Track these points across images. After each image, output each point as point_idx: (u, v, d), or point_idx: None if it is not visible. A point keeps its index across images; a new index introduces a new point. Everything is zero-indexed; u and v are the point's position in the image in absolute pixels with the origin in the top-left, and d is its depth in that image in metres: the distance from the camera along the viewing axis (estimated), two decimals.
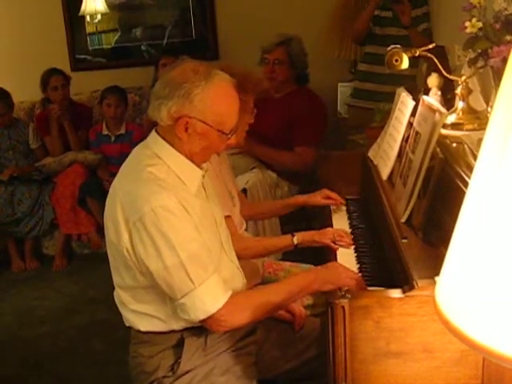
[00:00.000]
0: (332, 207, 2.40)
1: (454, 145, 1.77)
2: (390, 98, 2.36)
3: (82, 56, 4.62)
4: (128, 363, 1.74)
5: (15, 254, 3.99)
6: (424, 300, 1.32)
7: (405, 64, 2.10)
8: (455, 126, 1.88)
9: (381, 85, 3.38)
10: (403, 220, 1.76)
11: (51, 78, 3.99)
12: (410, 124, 1.99)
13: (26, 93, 4.26)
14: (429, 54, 2.04)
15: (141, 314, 1.63)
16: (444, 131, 1.82)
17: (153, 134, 1.62)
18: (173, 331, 1.63)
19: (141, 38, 4.62)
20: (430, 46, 2.05)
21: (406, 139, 2.00)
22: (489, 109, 1.92)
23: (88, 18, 4.56)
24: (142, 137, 1.83)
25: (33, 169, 4.07)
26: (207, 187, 1.70)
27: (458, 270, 0.70)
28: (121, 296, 1.64)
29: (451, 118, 1.90)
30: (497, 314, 0.63)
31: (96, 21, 4.58)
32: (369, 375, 1.37)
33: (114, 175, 1.65)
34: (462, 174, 1.50)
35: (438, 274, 0.76)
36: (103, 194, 2.01)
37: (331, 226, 2.24)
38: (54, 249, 4.05)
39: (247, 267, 1.90)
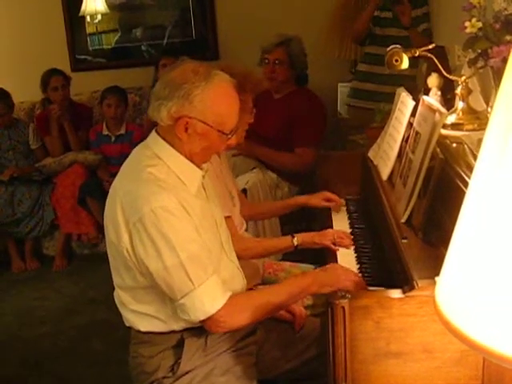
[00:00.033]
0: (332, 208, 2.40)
1: (454, 145, 1.77)
2: (390, 99, 2.36)
3: (83, 56, 4.61)
4: (128, 363, 1.74)
5: (15, 255, 3.99)
6: (424, 300, 1.32)
7: (405, 64, 2.10)
8: (455, 126, 1.88)
9: (381, 85, 3.38)
10: (403, 220, 1.76)
11: (51, 78, 3.99)
12: (410, 124, 1.99)
13: (26, 93, 4.26)
14: (429, 54, 2.04)
15: (141, 315, 1.63)
16: (444, 131, 1.82)
17: (153, 134, 1.62)
18: (173, 331, 1.63)
19: (141, 39, 4.62)
20: (430, 46, 2.05)
21: (406, 139, 2.00)
22: (489, 109, 1.92)
23: (88, 19, 4.56)
24: (142, 137, 1.83)
25: (33, 169, 4.06)
26: (207, 188, 1.70)
27: (458, 270, 0.70)
28: (121, 296, 1.64)
29: (451, 118, 1.90)
30: (497, 314, 0.63)
31: (96, 21, 4.58)
32: (369, 375, 1.37)
33: (114, 175, 1.65)
34: (462, 174, 1.50)
35: (438, 274, 0.75)
36: (103, 194, 2.02)
37: (331, 226, 2.24)
38: (54, 249, 4.05)
39: (247, 267, 1.90)
